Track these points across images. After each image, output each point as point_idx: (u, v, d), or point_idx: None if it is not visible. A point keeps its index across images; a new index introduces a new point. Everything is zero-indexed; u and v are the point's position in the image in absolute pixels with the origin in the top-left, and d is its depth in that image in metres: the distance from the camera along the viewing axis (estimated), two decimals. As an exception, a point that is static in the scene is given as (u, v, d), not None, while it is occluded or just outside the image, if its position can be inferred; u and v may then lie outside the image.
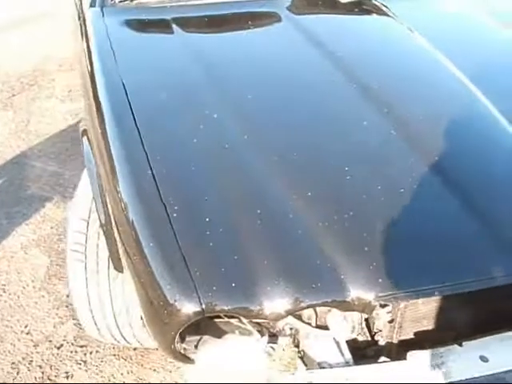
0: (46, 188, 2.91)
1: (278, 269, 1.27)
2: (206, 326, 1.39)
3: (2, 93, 3.90)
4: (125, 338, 1.84)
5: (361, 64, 1.84)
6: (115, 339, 1.87)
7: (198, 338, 1.39)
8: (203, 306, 1.22)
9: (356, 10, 2.35)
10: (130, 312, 1.74)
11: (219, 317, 1.35)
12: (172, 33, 2.07)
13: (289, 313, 1.27)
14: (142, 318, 1.52)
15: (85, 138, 1.82)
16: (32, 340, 2.12)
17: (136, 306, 1.65)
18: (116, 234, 1.51)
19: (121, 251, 1.50)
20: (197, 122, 1.59)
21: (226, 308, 1.24)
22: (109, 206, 1.54)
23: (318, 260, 1.29)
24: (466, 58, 1.87)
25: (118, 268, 1.59)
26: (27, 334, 2.14)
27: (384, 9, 2.33)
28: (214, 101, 1.68)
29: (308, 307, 1.29)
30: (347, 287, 1.26)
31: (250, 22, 2.15)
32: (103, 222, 1.58)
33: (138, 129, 1.57)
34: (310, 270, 1.28)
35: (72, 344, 2.10)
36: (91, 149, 1.72)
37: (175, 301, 1.23)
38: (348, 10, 2.34)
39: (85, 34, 2.24)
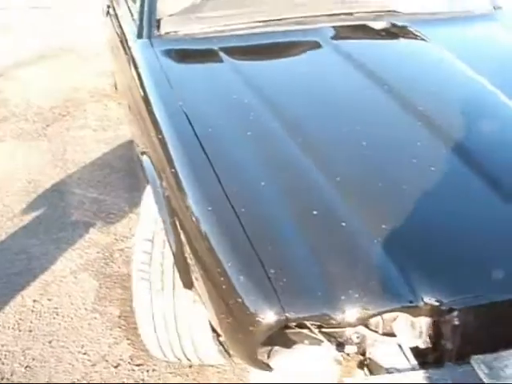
0: (88, 214, 2.99)
1: (351, 277, 1.33)
2: (276, 335, 1.45)
3: (36, 123, 4.01)
4: (186, 356, 1.90)
5: (409, 89, 1.92)
6: (176, 356, 1.92)
7: (269, 347, 1.45)
8: (286, 315, 1.28)
9: (393, 35, 2.45)
10: (193, 329, 1.80)
11: (289, 327, 1.41)
12: (221, 61, 2.16)
13: (362, 320, 1.33)
14: (214, 331, 1.58)
15: (146, 160, 1.89)
16: (89, 360, 2.18)
17: (202, 323, 1.73)
18: (187, 251, 1.58)
19: (192, 267, 1.57)
20: (259, 144, 1.68)
21: (306, 316, 1.30)
22: (178, 224, 1.61)
23: (388, 267, 1.35)
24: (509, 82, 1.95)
25: (187, 285, 1.65)
26: (84, 354, 2.20)
27: (418, 34, 2.42)
28: (273, 125, 1.76)
29: (379, 314, 1.35)
30: (417, 293, 1.32)
31: (295, 51, 2.25)
32: (172, 240, 1.65)
33: (204, 151, 1.65)
34: (381, 276, 1.34)
35: (129, 363, 2.16)
36: (155, 170, 1.79)
37: (258, 310, 1.29)
38: (386, 36, 2.43)
39: (134, 64, 2.34)
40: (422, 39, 2.38)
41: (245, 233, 1.41)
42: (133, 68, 2.33)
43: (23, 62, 5.13)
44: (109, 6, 3.19)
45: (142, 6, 2.48)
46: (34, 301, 2.45)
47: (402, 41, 2.46)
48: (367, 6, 2.59)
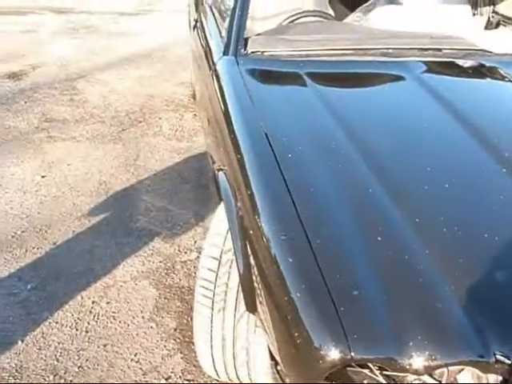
0: (154, 222, 3.02)
1: (421, 323, 1.28)
2: (335, 371, 1.40)
3: (112, 127, 4.10)
4: (239, 378, 1.87)
5: (498, 134, 1.85)
6: (229, 377, 1.90)
7: (327, 382, 1.40)
8: (352, 354, 1.24)
9: (481, 75, 2.38)
10: (250, 353, 1.77)
11: (351, 365, 1.37)
12: (305, 86, 2.14)
13: (428, 369, 1.27)
14: (273, 358, 1.55)
15: (221, 176, 1.89)
16: (141, 369, 2.18)
17: (261, 348, 1.70)
18: (254, 274, 1.56)
19: (258, 291, 1.55)
20: (338, 174, 1.64)
21: (372, 357, 1.26)
22: (249, 245, 1.60)
23: (461, 316, 1.29)
24: None
25: (250, 308, 1.63)
26: (136, 362, 2.20)
27: (507, 75, 2.34)
28: (353, 156, 1.72)
29: (447, 365, 1.29)
30: (489, 348, 1.26)
31: (380, 82, 2.22)
32: (240, 260, 1.64)
33: (282, 175, 1.63)
34: (452, 326, 1.28)
35: (179, 377, 2.15)
36: (230, 188, 1.79)
37: (324, 346, 1.25)
38: (473, 75, 2.37)
39: (217, 79, 2.35)
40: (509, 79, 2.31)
41: (317, 265, 1.38)
42: (215, 83, 2.34)
43: (106, 65, 5.28)
44: (196, 21, 3.23)
45: (230, 23, 2.50)
46: (93, 302, 2.48)
47: (490, 81, 2.38)
48: (457, 43, 2.53)
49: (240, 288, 1.74)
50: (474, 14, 3.48)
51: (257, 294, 1.60)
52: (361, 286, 1.34)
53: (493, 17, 3.46)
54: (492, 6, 3.48)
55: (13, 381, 2.11)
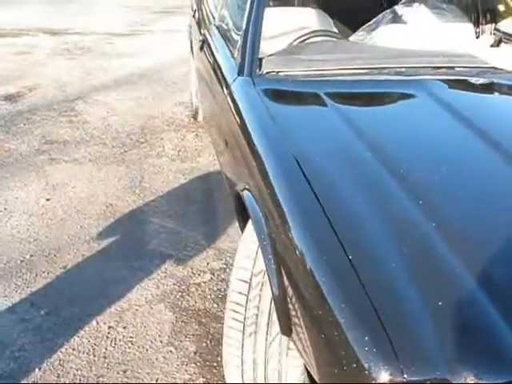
0: (165, 244, 2.99)
1: (470, 342, 1.27)
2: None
3: (114, 148, 4.07)
4: (269, 402, 1.84)
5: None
6: (259, 402, 1.87)
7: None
8: (405, 376, 1.22)
9: (495, 92, 2.40)
10: (282, 375, 1.74)
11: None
12: (325, 105, 2.14)
13: None
14: (312, 381, 1.52)
15: (248, 196, 1.87)
16: (163, 395, 2.14)
17: (295, 372, 1.68)
18: (289, 296, 1.54)
19: (294, 314, 1.53)
20: (371, 191, 1.63)
21: (425, 379, 1.23)
22: (282, 267, 1.58)
23: (508, 335, 1.28)
24: None
25: (285, 331, 1.61)
26: (158, 388, 2.17)
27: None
28: (383, 174, 1.72)
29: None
30: None
31: (399, 100, 2.23)
32: (274, 283, 1.61)
33: (316, 195, 1.62)
34: (501, 345, 1.27)
35: (203, 403, 2.12)
36: (259, 208, 1.77)
37: (375, 369, 1.23)
38: (487, 92, 2.39)
39: (232, 100, 2.34)
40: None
41: (360, 284, 1.36)
42: (232, 104, 2.34)
43: (103, 86, 5.26)
44: (203, 41, 3.23)
45: (244, 43, 2.50)
46: (109, 327, 2.44)
47: (504, 98, 2.40)
48: (469, 61, 2.55)
49: (272, 311, 1.73)
50: (476, 32, 3.52)
51: (292, 316, 1.58)
52: (408, 305, 1.32)
53: (495, 34, 3.50)
54: (493, 24, 3.52)
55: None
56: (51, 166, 3.81)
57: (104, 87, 5.25)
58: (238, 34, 2.68)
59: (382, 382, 1.23)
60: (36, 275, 2.75)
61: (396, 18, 3.43)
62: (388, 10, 3.46)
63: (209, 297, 2.62)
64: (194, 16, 4.08)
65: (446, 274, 1.40)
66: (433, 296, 1.35)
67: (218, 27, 3.18)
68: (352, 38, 3.42)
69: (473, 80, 2.42)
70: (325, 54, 2.55)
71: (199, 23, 3.70)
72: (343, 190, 1.66)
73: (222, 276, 2.76)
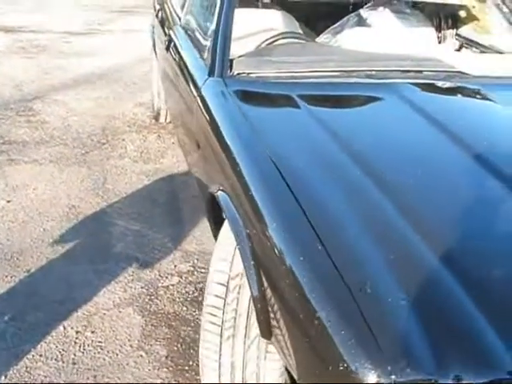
0: (131, 247, 2.94)
1: (458, 343, 1.28)
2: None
3: (75, 149, 3.99)
4: (246, 405, 1.83)
5: (490, 149, 1.91)
6: (236, 405, 1.85)
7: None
8: (393, 377, 1.22)
9: (463, 95, 2.45)
10: (260, 378, 1.74)
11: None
12: (299, 108, 2.14)
13: None
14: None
15: (223, 197, 1.86)
16: (136, 401, 2.10)
17: (274, 375, 1.67)
18: (268, 298, 1.54)
19: (274, 316, 1.52)
20: (352, 197, 1.64)
21: (414, 380, 1.24)
22: (261, 269, 1.57)
23: (494, 336, 1.30)
24: None
25: (266, 335, 1.60)
26: (130, 394, 2.13)
27: (488, 96, 2.42)
28: (358, 174, 1.73)
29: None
30: None
31: (370, 103, 2.25)
32: (253, 285, 1.60)
33: (292, 193, 1.62)
34: (486, 346, 1.29)
35: (177, 407, 2.09)
36: (236, 210, 1.75)
37: (362, 370, 1.22)
38: (455, 95, 2.44)
39: (202, 101, 2.32)
40: (492, 100, 2.38)
41: (344, 284, 1.36)
42: (202, 105, 2.32)
43: (62, 86, 5.15)
44: (169, 41, 3.20)
45: (214, 44, 2.48)
46: (77, 332, 2.38)
47: (472, 102, 2.45)
48: (436, 65, 2.59)
49: (251, 314, 1.72)
50: (438, 37, 3.59)
51: (272, 319, 1.57)
52: (392, 304, 1.33)
53: (457, 39, 3.57)
54: (455, 30, 3.60)
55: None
56: (10, 167, 3.71)
57: (62, 87, 5.13)
58: (207, 35, 2.66)
59: (369, 383, 1.23)
60: (-2, 280, 2.67)
61: (361, 22, 3.46)
62: (353, 14, 3.48)
63: (177, 300, 2.59)
64: (157, 15, 4.04)
65: (430, 274, 1.41)
66: (419, 297, 1.36)
67: (183, 27, 3.15)
68: (317, 40, 3.44)
69: (440, 84, 2.46)
70: (295, 56, 2.56)
71: (163, 23, 3.66)
72: (320, 190, 1.67)
73: (190, 279, 2.74)
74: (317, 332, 1.33)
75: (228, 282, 1.76)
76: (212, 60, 2.44)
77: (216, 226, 2.18)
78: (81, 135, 4.21)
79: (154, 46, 4.13)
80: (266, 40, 2.75)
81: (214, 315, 1.76)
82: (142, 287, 2.66)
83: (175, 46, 3.10)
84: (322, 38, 3.46)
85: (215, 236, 2.27)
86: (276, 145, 1.88)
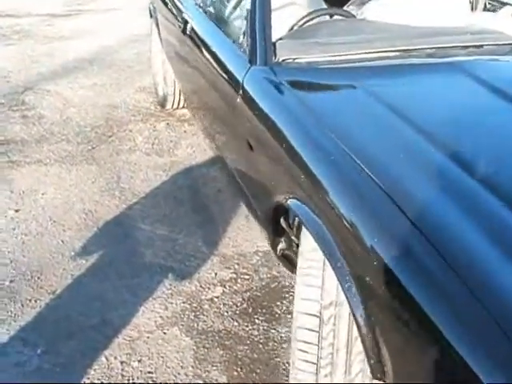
0: (162, 255, 2.67)
1: None
2: None
3: (81, 145, 3.67)
4: None
5: None
6: None
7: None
8: None
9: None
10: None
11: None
12: (366, 96, 1.88)
13: None
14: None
15: (301, 208, 1.60)
16: None
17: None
18: (380, 331, 1.30)
19: (387, 349, 1.28)
20: (445, 188, 1.41)
21: None
22: (370, 296, 1.33)
23: None
24: None
25: (378, 374, 1.36)
26: (195, 433, 1.88)
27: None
28: (446, 163, 1.50)
29: None
30: None
31: (435, 83, 2.00)
32: (361, 317, 1.35)
33: (389, 195, 1.37)
34: None
35: None
36: (322, 223, 1.50)
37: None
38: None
39: (248, 95, 2.05)
40: None
41: (484, 308, 1.12)
42: (247, 100, 2.04)
43: (52, 74, 4.80)
44: (186, 22, 2.88)
45: (252, 26, 2.19)
46: (122, 363, 2.12)
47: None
48: (496, 38, 2.33)
49: (351, 348, 1.47)
50: (470, 2, 3.32)
51: (383, 357, 1.33)
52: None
53: (490, 4, 3.31)
54: (486, -7, 3.32)
55: None
56: (12, 170, 3.38)
57: (53, 75, 4.78)
58: (239, 16, 2.37)
59: None
60: (22, 305, 2.38)
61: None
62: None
63: (226, 314, 2.34)
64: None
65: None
66: None
67: (202, 7, 2.84)
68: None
69: (508, 58, 2.21)
70: (341, 35, 2.27)
71: (173, 2, 3.32)
72: (417, 189, 1.43)
73: (235, 287, 2.48)
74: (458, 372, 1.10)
75: (321, 313, 1.51)
76: (252, 45, 2.16)
77: (276, 238, 1.93)
78: (83, 129, 3.88)
79: (157, 27, 3.78)
80: (302, 18, 2.45)
81: (307, 352, 1.51)
82: (183, 302, 2.40)
83: (194, 29, 2.79)
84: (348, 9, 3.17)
85: (273, 248, 2.04)
86: (354, 142, 1.62)
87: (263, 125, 1.90)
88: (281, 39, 2.24)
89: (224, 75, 2.32)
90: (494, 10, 3.30)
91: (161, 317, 2.33)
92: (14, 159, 3.50)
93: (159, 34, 3.75)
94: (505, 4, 3.26)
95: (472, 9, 3.30)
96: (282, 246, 2.05)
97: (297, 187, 1.66)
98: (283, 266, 2.18)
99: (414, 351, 1.25)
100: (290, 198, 1.70)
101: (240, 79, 2.12)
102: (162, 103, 4.06)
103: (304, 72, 2.05)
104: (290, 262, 2.10)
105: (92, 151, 3.59)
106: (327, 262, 1.49)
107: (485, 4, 3.31)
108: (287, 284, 2.49)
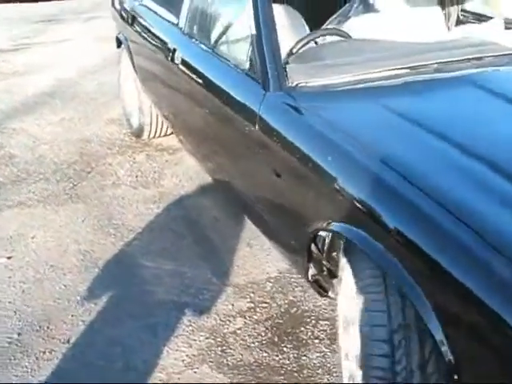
0: (173, 291, 2.59)
1: None
2: None
3: (60, 183, 3.55)
4: None
5: None
6: None
7: None
8: None
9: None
10: None
11: None
12: (392, 115, 1.88)
13: None
14: None
15: (357, 235, 1.58)
16: None
17: None
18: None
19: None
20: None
21: None
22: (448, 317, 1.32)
23: None
24: None
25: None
26: None
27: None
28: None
29: None
30: None
31: (457, 97, 2.02)
32: (437, 333, 1.34)
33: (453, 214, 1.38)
34: None
35: None
36: (377, 241, 1.49)
37: None
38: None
39: (267, 124, 2.02)
40: None
41: None
42: (269, 128, 2.01)
43: (15, 111, 4.63)
44: (175, 50, 2.83)
45: (259, 50, 2.16)
46: (158, 408, 2.03)
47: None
48: (495, 49, 2.38)
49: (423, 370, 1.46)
50: (444, 15, 3.40)
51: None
52: None
53: (463, 16, 3.40)
54: (459, 5, 3.42)
55: None
56: (-6, 215, 3.23)
57: (16, 112, 4.61)
58: (240, 41, 2.34)
59: None
60: (36, 358, 2.26)
61: (367, 7, 3.22)
62: (355, -1, 3.24)
63: (252, 345, 2.29)
64: (130, 22, 3.61)
65: None
66: None
67: (189, 34, 2.80)
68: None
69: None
70: (349, 56, 2.28)
71: (150, 30, 3.26)
72: (487, 209, 1.43)
73: (255, 317, 2.43)
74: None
75: (391, 337, 1.49)
76: (263, 71, 2.13)
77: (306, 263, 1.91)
78: (60, 166, 3.75)
79: (131, 57, 3.70)
80: (301, 40, 2.44)
81: (383, 379, 1.48)
82: (206, 338, 2.33)
83: (184, 57, 2.74)
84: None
85: (305, 274, 2.01)
86: (398, 163, 1.62)
87: (293, 152, 1.87)
88: (287, 63, 2.22)
89: (231, 103, 2.28)
90: (466, 22, 3.40)
91: (187, 355, 2.25)
92: (-6, 203, 3.35)
93: (133, 63, 3.67)
94: (479, 15, 3.37)
95: (446, 21, 3.40)
96: (312, 271, 2.03)
97: (344, 212, 1.64)
98: (314, 291, 2.15)
99: (495, 372, 1.24)
100: (331, 222, 1.68)
101: (255, 107, 2.09)
102: (138, 133, 3.98)
103: (323, 95, 2.04)
104: (320, 286, 2.08)
105: (74, 188, 3.48)
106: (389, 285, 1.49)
107: (457, 16, 3.40)
108: (306, 308, 2.46)
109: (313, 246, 1.90)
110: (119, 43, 3.97)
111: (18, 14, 7.92)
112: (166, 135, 3.93)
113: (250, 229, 2.98)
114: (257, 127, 2.07)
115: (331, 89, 2.06)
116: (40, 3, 8.39)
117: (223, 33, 2.54)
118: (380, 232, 1.51)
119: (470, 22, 3.37)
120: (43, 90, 5.05)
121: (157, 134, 3.90)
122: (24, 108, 4.69)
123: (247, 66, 2.24)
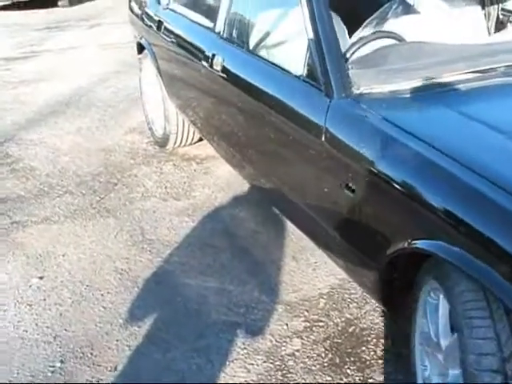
0: (222, 310, 2.44)
1: None
2: None
3: (86, 196, 3.39)
4: None
5: None
6: None
7: None
8: None
9: None
10: None
11: None
12: (473, 122, 1.75)
13: None
14: None
15: (444, 249, 1.45)
16: None
17: None
18: None
19: None
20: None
21: None
22: None
23: None
24: None
25: None
26: None
27: None
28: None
29: None
30: None
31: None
32: None
33: None
34: None
35: None
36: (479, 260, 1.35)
37: None
38: None
39: (334, 136, 1.89)
40: None
41: None
42: (338, 141, 1.88)
43: (29, 122, 4.48)
44: (213, 56, 2.69)
45: (319, 54, 2.03)
46: None
47: None
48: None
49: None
50: (484, 14, 3.28)
51: None
52: None
53: (503, 15, 3.28)
54: (499, 5, 3.29)
55: None
56: (20, 232, 3.08)
57: (30, 123, 4.46)
58: (291, 43, 2.21)
59: None
60: (84, 388, 2.11)
61: (406, 8, 3.09)
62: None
63: (314, 368, 2.15)
64: (157, 27, 3.46)
65: None
66: None
67: (229, 39, 2.66)
68: (358, 34, 3.03)
69: None
70: (411, 61, 2.14)
71: (180, 34, 3.12)
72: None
73: (312, 337, 2.29)
74: None
75: (504, 368, 1.35)
76: (325, 76, 1.99)
77: (391, 290, 1.77)
78: (83, 178, 3.60)
79: (156, 64, 3.55)
80: (355, 44, 2.31)
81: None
82: (264, 361, 2.19)
83: (226, 64, 2.60)
84: (364, 31, 3.06)
85: (385, 305, 1.88)
86: (485, 169, 1.49)
87: (371, 166, 1.73)
88: (348, 68, 2.09)
89: (286, 110, 2.15)
90: (506, 22, 3.28)
91: (245, 381, 2.10)
92: (17, 219, 3.19)
93: (158, 69, 3.52)
94: (515, 14, 3.25)
95: (486, 20, 3.27)
96: (386, 291, 1.89)
97: (433, 228, 1.52)
98: (385, 310, 2.02)
99: None
100: (415, 240, 1.55)
101: (320, 116, 1.95)
102: (162, 143, 3.83)
103: (394, 102, 1.90)
104: (392, 306, 1.95)
105: (102, 202, 3.32)
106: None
107: (497, 15, 3.28)
108: (365, 326, 2.32)
109: (390, 266, 1.76)
110: (141, 49, 3.82)
111: (18, 20, 7.76)
112: (191, 144, 3.79)
113: (292, 241, 2.85)
114: (323, 138, 1.93)
115: (401, 95, 1.92)
116: (42, 10, 8.24)
117: (269, 37, 2.41)
118: (478, 249, 1.38)
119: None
120: (55, 98, 4.90)
121: (182, 143, 3.75)
122: (37, 118, 4.53)
123: (305, 71, 2.10)
